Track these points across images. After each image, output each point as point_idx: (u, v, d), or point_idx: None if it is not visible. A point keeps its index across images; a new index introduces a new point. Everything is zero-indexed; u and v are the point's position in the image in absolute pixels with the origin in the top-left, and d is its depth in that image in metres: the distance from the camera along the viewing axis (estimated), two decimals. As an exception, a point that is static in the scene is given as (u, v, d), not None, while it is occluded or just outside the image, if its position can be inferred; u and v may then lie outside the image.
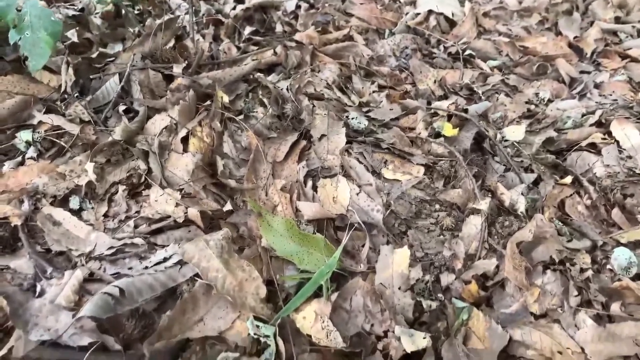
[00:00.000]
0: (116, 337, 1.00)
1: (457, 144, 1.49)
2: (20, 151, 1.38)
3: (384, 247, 1.19)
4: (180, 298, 1.07)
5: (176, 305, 1.04)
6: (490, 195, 1.36)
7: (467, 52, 2.04)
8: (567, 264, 1.22)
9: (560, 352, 1.03)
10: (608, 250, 1.28)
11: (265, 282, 1.11)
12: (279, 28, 2.06)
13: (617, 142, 1.57)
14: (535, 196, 1.39)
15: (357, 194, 1.29)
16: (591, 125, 1.66)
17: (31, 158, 1.34)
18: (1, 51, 1.67)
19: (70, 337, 0.97)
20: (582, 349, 1.04)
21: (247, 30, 2.00)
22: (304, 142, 1.45)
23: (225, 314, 1.06)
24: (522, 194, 1.35)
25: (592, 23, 2.29)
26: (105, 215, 1.25)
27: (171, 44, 1.77)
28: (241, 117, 1.51)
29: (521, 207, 1.31)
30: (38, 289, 1.06)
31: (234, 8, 2.11)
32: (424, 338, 1.02)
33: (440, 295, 1.17)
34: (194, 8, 1.77)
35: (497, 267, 1.20)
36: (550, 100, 1.84)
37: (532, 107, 1.79)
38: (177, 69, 1.59)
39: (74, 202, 1.26)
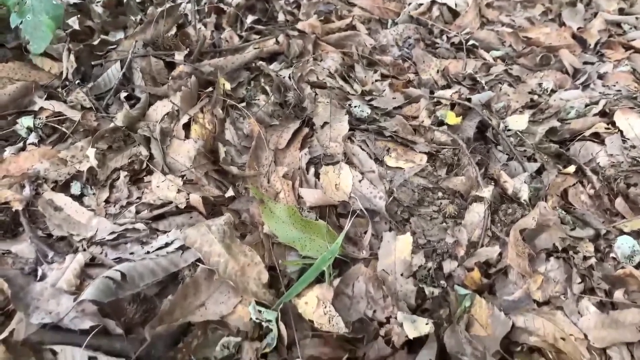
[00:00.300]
0: (117, 321, 1.00)
1: (460, 132, 1.48)
2: (21, 137, 1.37)
3: (387, 234, 1.19)
4: (182, 283, 1.07)
5: (178, 289, 1.04)
6: (493, 183, 1.36)
7: (470, 42, 2.02)
8: (570, 252, 1.22)
9: (563, 339, 1.03)
10: (611, 239, 1.28)
11: (267, 268, 1.11)
12: (281, 17, 2.05)
13: (621, 131, 1.56)
14: (538, 185, 1.38)
15: (360, 181, 1.28)
16: (595, 115, 1.65)
17: (32, 144, 1.34)
18: (2, 38, 1.67)
19: (71, 320, 0.97)
20: (585, 335, 1.04)
21: (249, 19, 1.99)
22: (306, 130, 1.44)
23: (227, 299, 1.06)
24: (525, 182, 1.35)
25: (595, 14, 2.28)
26: (107, 201, 1.25)
27: (173, 31, 1.77)
28: (243, 104, 1.50)
29: (524, 195, 1.31)
30: (39, 273, 1.06)
31: (236, -3, 2.10)
32: (427, 324, 1.02)
33: (442, 282, 1.17)
34: (196, -4, 1.76)
35: (500, 254, 1.19)
36: (553, 91, 1.83)
37: (535, 97, 1.79)
38: (178, 57, 1.59)
39: (75, 188, 1.26)
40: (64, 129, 1.37)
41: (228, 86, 1.51)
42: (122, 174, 1.28)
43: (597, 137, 1.58)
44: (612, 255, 1.24)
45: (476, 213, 1.26)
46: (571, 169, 1.46)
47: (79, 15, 1.79)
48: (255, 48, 1.76)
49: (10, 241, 1.15)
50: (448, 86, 1.79)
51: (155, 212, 1.21)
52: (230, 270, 1.06)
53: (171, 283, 1.10)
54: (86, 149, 1.29)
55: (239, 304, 1.05)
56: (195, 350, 1.01)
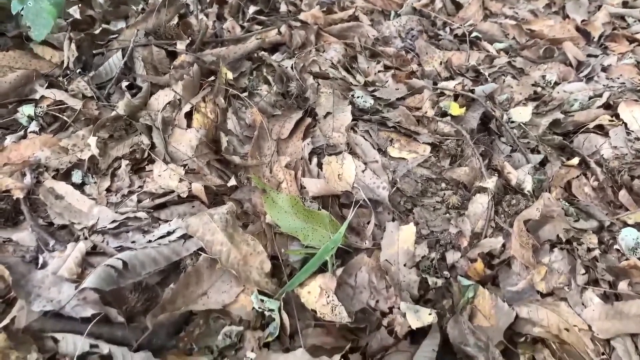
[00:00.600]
0: (119, 310, 0.99)
1: (464, 123, 1.48)
2: (22, 125, 1.37)
3: (390, 224, 1.18)
4: (184, 272, 1.06)
5: (180, 278, 1.03)
6: (496, 174, 1.35)
7: (474, 34, 2.01)
8: (574, 244, 1.21)
9: (567, 330, 1.02)
10: (615, 231, 1.27)
11: (270, 257, 1.10)
12: (283, 8, 2.03)
13: (625, 124, 1.56)
14: (542, 177, 1.37)
15: (363, 171, 1.28)
16: (598, 107, 1.64)
17: (33, 132, 1.33)
18: (2, 27, 1.65)
19: (72, 308, 0.96)
20: (589, 326, 1.04)
21: (251, 9, 1.98)
22: (308, 120, 1.43)
23: (230, 288, 1.05)
24: (528, 173, 1.34)
25: (599, 7, 2.27)
26: (108, 190, 1.24)
27: (174, 21, 1.75)
28: (245, 94, 1.49)
29: (528, 186, 1.30)
30: (40, 261, 1.06)
31: (238, -13, 2.09)
32: (430, 314, 1.01)
33: (445, 272, 1.16)
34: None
35: (504, 245, 1.19)
36: (557, 83, 1.82)
37: (539, 89, 1.78)
38: (180, 46, 1.58)
39: (77, 176, 1.25)
40: (65, 118, 1.36)
41: (230, 75, 1.50)
42: (124, 162, 1.27)
43: (601, 130, 1.57)
44: (615, 247, 1.23)
45: (480, 204, 1.26)
46: (575, 161, 1.45)
47: (80, 5, 1.78)
48: (257, 38, 1.74)
49: (11, 229, 1.14)
50: (451, 78, 1.78)
51: (157, 201, 1.20)
52: (233, 259, 1.05)
53: (173, 272, 1.09)
54: (87, 137, 1.29)
55: (241, 293, 1.05)
56: (197, 339, 1.00)
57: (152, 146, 1.30)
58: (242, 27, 1.87)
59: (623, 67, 1.87)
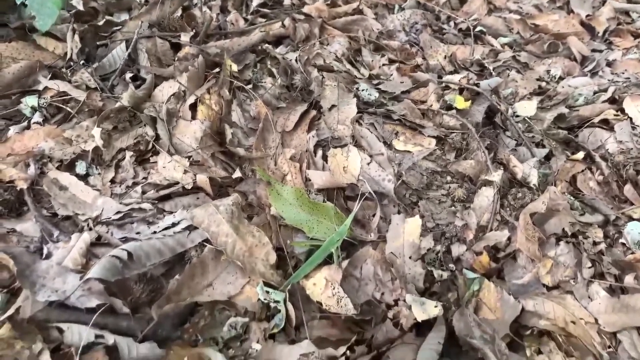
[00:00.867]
0: (124, 301, 0.99)
1: (469, 117, 1.47)
2: (25, 116, 1.36)
3: (395, 217, 1.17)
4: (189, 263, 1.06)
5: (185, 269, 1.03)
6: (502, 167, 1.34)
7: (478, 28, 2.01)
8: (580, 237, 1.21)
9: (573, 322, 1.02)
10: (620, 225, 1.27)
11: (275, 249, 1.10)
12: (287, 1, 2.02)
13: (631, 118, 1.55)
14: (547, 171, 1.37)
15: (368, 164, 1.27)
16: (603, 102, 1.64)
17: (37, 123, 1.32)
18: (5, 18, 1.65)
19: (77, 298, 0.96)
20: (596, 319, 1.03)
21: (255, 2, 1.96)
22: (313, 112, 1.43)
23: (235, 279, 1.04)
24: (534, 167, 1.33)
25: (604, 2, 2.26)
26: (112, 181, 1.24)
27: (178, 13, 1.74)
28: (250, 86, 1.49)
29: (534, 179, 1.29)
30: (45, 251, 1.05)
31: (242, -20, 2.08)
32: (436, 307, 1.01)
33: (451, 265, 1.16)
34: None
35: (509, 238, 1.18)
36: (561, 78, 1.82)
37: (543, 84, 1.77)
38: (184, 38, 1.57)
39: (81, 167, 1.24)
40: (68, 109, 1.36)
41: (235, 68, 1.49)
42: (128, 154, 1.27)
43: (606, 124, 1.56)
44: (621, 241, 1.23)
45: (485, 197, 1.25)
46: (580, 155, 1.45)
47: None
48: (261, 31, 1.74)
49: (14, 220, 1.14)
50: (455, 72, 1.78)
51: (162, 193, 1.20)
52: (238, 250, 1.05)
53: (178, 263, 1.08)
54: (91, 128, 1.28)
55: (246, 284, 1.04)
56: (202, 330, 1.00)
57: (157, 138, 1.30)
58: (246, 19, 1.87)
59: (628, 62, 1.87)
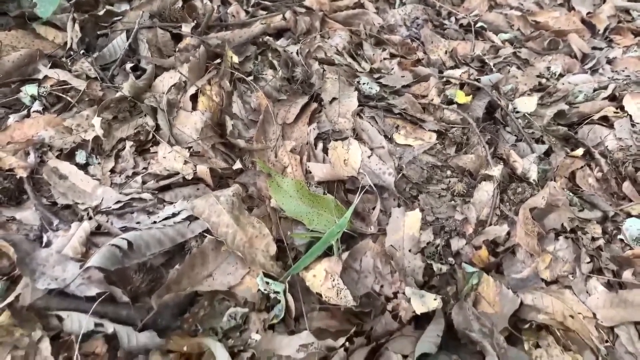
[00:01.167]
0: (124, 289, 0.99)
1: (470, 111, 1.47)
2: (25, 105, 1.35)
3: (396, 210, 1.18)
4: (189, 253, 1.06)
5: (185, 259, 1.03)
6: (502, 162, 1.35)
7: (479, 24, 2.01)
8: (579, 233, 1.22)
9: (571, 317, 1.03)
10: (619, 222, 1.28)
11: (275, 241, 1.10)
12: (288, -7, 2.02)
13: (630, 116, 1.55)
14: (546, 167, 1.37)
15: (369, 157, 1.27)
16: (603, 99, 1.64)
17: (37, 112, 1.31)
18: (4, 7, 1.64)
19: (77, 287, 0.96)
20: (594, 314, 1.04)
21: (256, -6, 1.96)
22: (314, 105, 1.42)
23: (235, 270, 1.05)
24: (534, 162, 1.34)
25: (604, 0, 2.26)
26: (112, 171, 1.23)
27: (179, 4, 1.73)
28: (250, 78, 1.48)
29: (533, 174, 1.30)
30: (44, 239, 1.05)
31: (243, -28, 2.07)
32: (435, 300, 1.01)
33: (450, 259, 1.16)
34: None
35: (508, 233, 1.19)
36: (561, 75, 1.82)
37: (544, 80, 1.77)
38: (186, 28, 1.56)
39: (80, 157, 1.24)
40: (68, 98, 1.35)
41: (236, 59, 1.48)
42: (128, 144, 1.26)
43: (606, 121, 1.57)
44: (619, 237, 1.24)
45: (485, 192, 1.25)
46: (579, 151, 1.45)
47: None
48: (262, 23, 1.73)
49: (14, 208, 1.13)
50: (456, 67, 1.78)
51: (162, 183, 1.19)
52: (239, 241, 1.05)
53: (178, 253, 1.08)
54: (92, 117, 1.27)
55: (246, 275, 1.04)
56: (202, 320, 1.00)
57: (157, 128, 1.29)
58: (247, 12, 1.86)
59: (628, 60, 1.87)
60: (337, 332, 0.99)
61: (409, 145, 1.34)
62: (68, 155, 1.24)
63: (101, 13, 1.63)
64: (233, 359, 0.91)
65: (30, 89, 1.35)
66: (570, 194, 1.33)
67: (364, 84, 1.50)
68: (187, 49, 1.50)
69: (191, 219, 1.10)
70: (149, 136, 1.29)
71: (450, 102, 1.50)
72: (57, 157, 1.22)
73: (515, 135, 1.49)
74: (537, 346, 1.02)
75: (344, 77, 1.52)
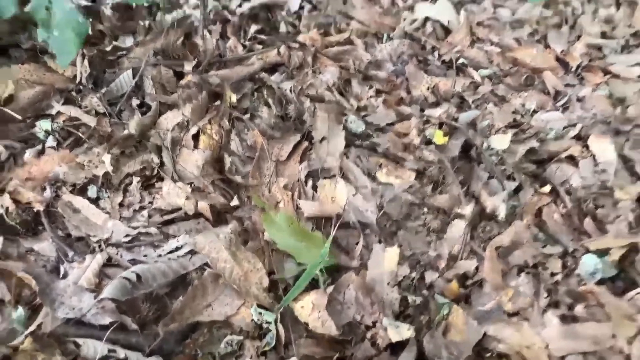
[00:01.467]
0: (133, 318, 1.11)
1: (447, 151, 1.61)
2: (39, 139, 1.47)
3: (376, 246, 1.31)
4: (191, 285, 1.19)
5: (188, 291, 1.16)
6: (474, 201, 1.48)
7: (460, 61, 2.14)
8: (540, 268, 1.35)
9: (527, 347, 1.16)
10: (578, 257, 1.41)
11: (268, 272, 1.23)
12: (283, 28, 2.14)
13: (594, 155, 1.68)
14: (516, 203, 1.51)
15: (354, 195, 1.40)
16: (571, 138, 1.77)
17: (51, 147, 1.43)
18: (16, 38, 1.75)
19: (92, 316, 1.08)
20: (547, 345, 1.17)
21: (253, 28, 2.08)
22: (305, 144, 1.55)
23: (232, 301, 1.17)
24: (503, 201, 1.47)
25: (579, 37, 2.39)
26: (121, 205, 1.35)
27: (180, 39, 1.86)
28: (247, 115, 1.61)
29: (502, 213, 1.43)
30: (62, 271, 1.17)
31: (240, 5, 2.20)
32: (408, 330, 1.14)
33: (424, 291, 1.29)
34: (205, 8, 1.85)
35: (477, 268, 1.32)
36: (535, 111, 1.94)
37: (518, 117, 1.90)
38: (187, 67, 1.69)
39: (92, 191, 1.36)
40: (79, 134, 1.47)
41: (234, 98, 1.61)
42: (135, 179, 1.39)
43: (572, 160, 1.70)
44: (577, 272, 1.37)
45: (457, 229, 1.39)
46: (547, 188, 1.58)
47: (90, 20, 1.87)
48: (258, 59, 1.86)
49: (32, 239, 1.25)
50: (437, 103, 1.91)
51: (166, 217, 1.32)
52: (235, 275, 1.18)
53: (180, 284, 1.21)
54: (102, 154, 1.39)
55: (242, 306, 1.17)
56: (201, 346, 1.12)
57: (161, 164, 1.42)
58: (244, 45, 1.98)
59: (596, 98, 1.99)
60: (322, 358, 1.12)
61: (390, 184, 1.47)
62: (81, 190, 1.36)
63: (109, 49, 1.76)
64: (229, 383, 1.05)
65: (44, 125, 1.47)
66: (536, 229, 1.47)
67: (351, 122, 1.64)
68: (188, 86, 1.63)
69: (193, 252, 1.23)
70: (154, 172, 1.41)
71: (429, 141, 1.63)
72: (71, 191, 1.34)
73: (488, 172, 1.62)
74: (497, 373, 1.16)
75: (333, 115, 1.64)
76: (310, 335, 1.16)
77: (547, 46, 2.33)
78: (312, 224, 1.36)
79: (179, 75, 1.71)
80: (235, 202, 1.36)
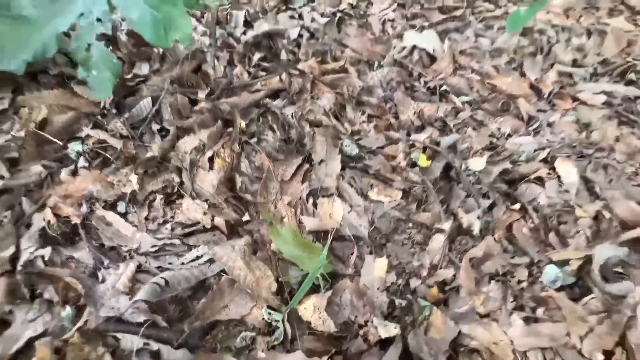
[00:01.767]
0: (162, 317, 1.31)
1: (429, 173, 1.82)
2: (72, 160, 1.66)
3: (368, 257, 1.52)
4: (210, 289, 1.39)
5: (208, 294, 1.36)
6: (452, 217, 1.70)
7: (443, 87, 2.35)
8: (508, 276, 1.56)
9: (495, 343, 1.37)
10: (542, 267, 1.61)
11: (276, 279, 1.43)
12: (283, 55, 2.36)
13: (559, 177, 1.90)
14: (489, 219, 1.72)
15: (349, 212, 1.62)
16: (540, 160, 1.99)
17: (83, 167, 1.63)
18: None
19: (129, 314, 1.28)
20: (512, 341, 1.38)
21: (257, 55, 2.29)
22: (307, 165, 1.76)
23: (245, 303, 1.38)
24: (478, 217, 1.69)
25: (552, 65, 2.61)
26: (146, 219, 1.55)
27: (192, 67, 2.06)
28: (254, 139, 1.82)
29: (476, 229, 1.65)
30: (100, 276, 1.37)
31: (244, 33, 2.41)
32: (395, 328, 1.34)
33: (409, 295, 1.49)
34: (215, 42, 2.06)
35: (454, 276, 1.51)
36: (509, 135, 2.15)
37: (494, 140, 2.10)
38: (201, 94, 1.89)
39: (121, 207, 1.55)
40: (107, 155, 1.67)
41: (243, 124, 1.82)
42: (158, 196, 1.58)
43: (540, 180, 1.90)
44: (540, 279, 1.58)
45: (437, 242, 1.60)
46: (517, 206, 1.78)
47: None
48: (262, 85, 2.07)
49: (71, 248, 1.44)
50: (422, 127, 2.11)
51: (186, 230, 1.52)
52: (249, 281, 1.38)
53: (200, 288, 1.41)
54: (129, 174, 1.59)
55: (254, 307, 1.37)
56: (220, 341, 1.32)
57: (181, 183, 1.62)
58: (249, 72, 2.19)
59: (564, 124, 2.21)
60: (322, 352, 1.32)
61: (380, 202, 1.69)
62: (111, 206, 1.55)
63: (129, 76, 1.96)
64: (244, 372, 1.25)
65: (75, 147, 1.66)
66: (507, 242, 1.69)
67: (346, 146, 1.85)
68: (202, 112, 1.83)
69: (211, 261, 1.43)
70: (175, 190, 1.61)
71: (414, 164, 1.85)
72: (103, 207, 1.54)
73: (466, 191, 1.83)
74: (469, 365, 1.37)
75: (330, 139, 1.86)
76: (312, 332, 1.37)
77: (522, 74, 2.54)
78: (313, 237, 1.57)
79: (193, 102, 1.91)
80: (246, 217, 1.56)
